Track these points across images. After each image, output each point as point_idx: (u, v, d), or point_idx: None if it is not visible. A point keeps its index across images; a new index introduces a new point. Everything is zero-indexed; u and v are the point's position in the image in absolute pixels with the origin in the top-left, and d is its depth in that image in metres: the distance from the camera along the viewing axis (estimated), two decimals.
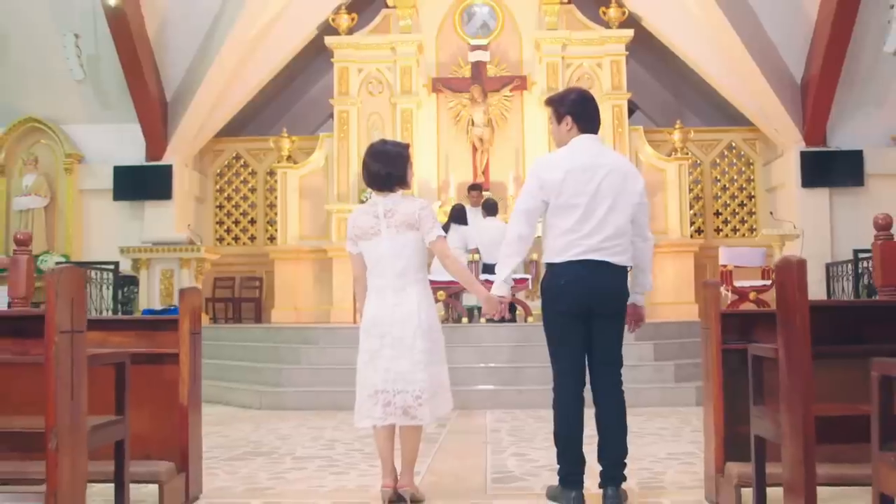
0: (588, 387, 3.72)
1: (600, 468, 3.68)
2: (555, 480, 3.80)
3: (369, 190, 10.49)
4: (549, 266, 3.66)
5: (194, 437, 3.93)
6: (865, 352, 2.53)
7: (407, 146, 3.88)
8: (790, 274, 2.73)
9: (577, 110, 3.71)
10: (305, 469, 4.69)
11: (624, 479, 3.68)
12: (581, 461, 3.67)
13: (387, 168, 3.70)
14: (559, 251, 3.56)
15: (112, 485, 3.34)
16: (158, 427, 3.84)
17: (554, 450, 3.78)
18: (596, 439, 3.69)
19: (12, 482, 3.08)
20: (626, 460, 3.69)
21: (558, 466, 3.74)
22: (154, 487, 3.65)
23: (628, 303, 3.79)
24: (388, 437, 3.74)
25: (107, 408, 3.33)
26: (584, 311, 3.61)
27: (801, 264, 2.74)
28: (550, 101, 3.87)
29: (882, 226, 4.06)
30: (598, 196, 3.53)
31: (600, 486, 3.67)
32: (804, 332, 2.67)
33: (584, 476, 3.67)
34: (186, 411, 3.86)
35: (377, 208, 3.69)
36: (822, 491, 3.15)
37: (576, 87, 4.30)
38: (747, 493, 3.35)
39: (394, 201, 3.69)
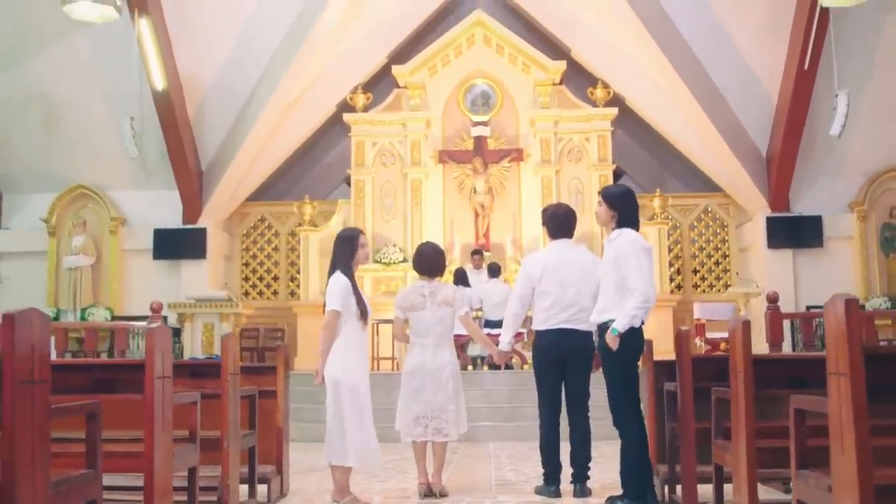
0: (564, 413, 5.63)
1: (572, 470, 5.56)
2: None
3: (383, 251, 12.36)
4: (537, 332, 5.59)
5: (286, 450, 5.81)
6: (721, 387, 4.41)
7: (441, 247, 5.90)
8: (680, 341, 4.66)
9: (549, 225, 5.66)
10: (355, 479, 6.50)
11: (588, 477, 5.56)
12: (558, 465, 5.56)
13: (439, 265, 5.69)
14: (542, 322, 5.49)
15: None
16: (261, 442, 5.71)
17: (540, 460, 5.67)
18: (569, 450, 5.58)
19: None
20: (589, 464, 5.57)
21: (542, 470, 5.62)
22: (261, 486, 5.51)
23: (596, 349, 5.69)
24: (423, 449, 5.63)
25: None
26: (560, 362, 5.51)
27: (687, 332, 4.67)
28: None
29: (772, 299, 6.00)
30: (567, 284, 5.45)
31: (571, 482, 5.55)
32: (688, 377, 4.59)
33: (561, 475, 5.56)
34: (282, 431, 5.75)
35: (423, 290, 5.61)
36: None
37: (551, 204, 6.16)
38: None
39: (435, 286, 5.62)
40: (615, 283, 4.96)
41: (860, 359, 2.60)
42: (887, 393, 3.54)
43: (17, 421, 2.77)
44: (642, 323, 4.98)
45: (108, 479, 4.69)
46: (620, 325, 4.83)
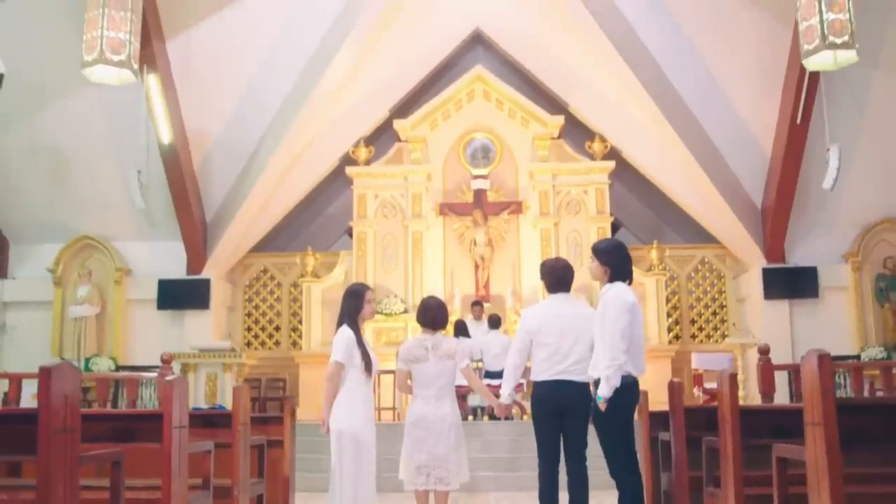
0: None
1: None
2: None
3: (384, 302, 12.53)
4: (535, 383, 5.80)
5: (292, 499, 6.00)
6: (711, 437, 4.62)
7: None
8: (673, 393, 4.88)
9: (547, 279, 5.89)
10: None
11: None
12: None
13: (442, 319, 5.91)
14: (540, 372, 5.70)
15: None
16: (268, 491, 5.90)
17: None
18: (567, 499, 5.75)
19: None
20: None
21: None
22: None
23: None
24: (425, 498, 5.82)
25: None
26: (558, 412, 5.71)
27: (679, 384, 4.90)
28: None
29: (763, 351, 6.23)
30: (564, 336, 5.66)
31: None
32: (681, 427, 4.80)
33: None
34: (288, 479, 5.94)
35: (426, 342, 5.84)
36: None
37: (549, 258, 6.36)
38: None
39: (437, 339, 5.85)
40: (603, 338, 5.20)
41: (833, 409, 2.82)
42: (864, 441, 3.77)
43: (52, 468, 2.99)
44: (635, 379, 5.18)
45: None
46: (602, 391, 5.05)
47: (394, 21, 12.76)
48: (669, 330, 14.15)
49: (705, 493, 4.35)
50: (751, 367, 12.17)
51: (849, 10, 8.42)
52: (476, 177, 14.03)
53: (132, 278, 13.78)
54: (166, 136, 12.42)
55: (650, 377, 13.58)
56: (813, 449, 2.95)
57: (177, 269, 13.67)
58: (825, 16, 8.36)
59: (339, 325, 5.59)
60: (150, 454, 4.13)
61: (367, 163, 14.09)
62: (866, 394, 12.09)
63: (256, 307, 14.82)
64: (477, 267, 13.67)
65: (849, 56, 8.76)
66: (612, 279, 5.35)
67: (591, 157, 14.07)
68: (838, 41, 8.38)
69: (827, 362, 2.84)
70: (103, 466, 5.61)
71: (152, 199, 12.97)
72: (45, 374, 2.99)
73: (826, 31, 8.40)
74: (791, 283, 13.43)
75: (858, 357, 12.99)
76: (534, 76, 14.42)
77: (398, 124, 14.14)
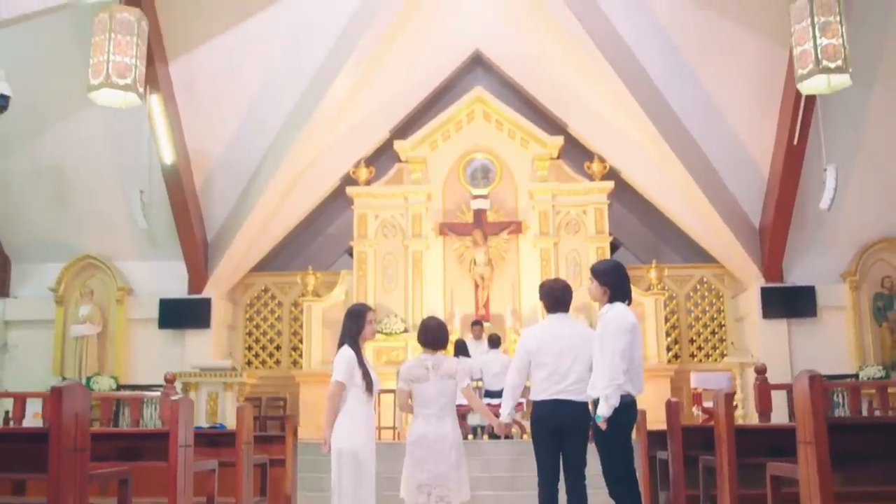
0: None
1: None
2: None
3: (385, 321, 12.69)
4: (534, 402, 5.87)
5: None
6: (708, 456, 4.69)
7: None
8: (670, 412, 4.95)
9: (546, 300, 5.98)
10: None
11: None
12: None
13: (443, 339, 6.00)
14: (539, 392, 5.78)
15: None
16: None
17: None
18: None
19: None
20: None
21: None
22: None
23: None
24: None
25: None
26: (557, 431, 5.78)
27: (677, 403, 4.97)
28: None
29: (759, 370, 6.31)
30: (562, 356, 5.74)
31: None
32: (678, 447, 4.87)
33: None
34: (290, 497, 6.00)
35: (427, 362, 5.92)
36: None
37: (548, 279, 6.44)
38: None
39: (437, 359, 5.93)
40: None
41: (824, 429, 2.90)
42: (861, 460, 3.84)
43: (62, 486, 3.07)
44: (633, 398, 5.25)
45: None
46: (602, 410, 5.14)
47: (394, 43, 12.89)
48: (668, 349, 14.21)
49: None
50: (749, 385, 12.20)
51: (842, 36, 8.53)
52: (476, 197, 14.14)
53: (134, 297, 13.85)
54: (168, 157, 12.51)
55: (649, 396, 13.59)
56: (805, 467, 3.02)
57: (178, 288, 13.74)
58: (819, 41, 8.48)
59: (341, 345, 5.67)
60: (155, 473, 4.20)
61: (368, 183, 14.20)
62: (864, 413, 12.14)
63: (257, 326, 14.89)
64: (477, 286, 13.75)
65: (842, 80, 8.87)
66: (611, 300, 5.45)
67: (591, 177, 14.17)
68: (832, 66, 8.49)
69: (818, 383, 2.92)
70: (107, 485, 5.67)
71: (154, 219, 13.06)
72: (56, 394, 3.07)
73: (820, 55, 8.51)
74: (789, 302, 13.50)
75: (857, 376, 13.04)
76: (533, 97, 14.55)
77: (398, 145, 14.26)
